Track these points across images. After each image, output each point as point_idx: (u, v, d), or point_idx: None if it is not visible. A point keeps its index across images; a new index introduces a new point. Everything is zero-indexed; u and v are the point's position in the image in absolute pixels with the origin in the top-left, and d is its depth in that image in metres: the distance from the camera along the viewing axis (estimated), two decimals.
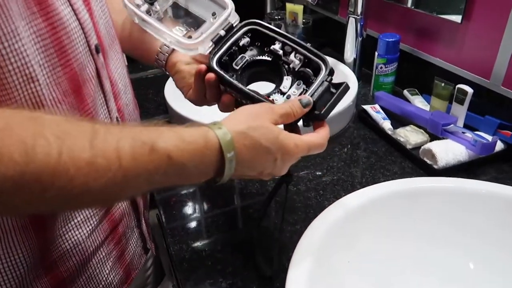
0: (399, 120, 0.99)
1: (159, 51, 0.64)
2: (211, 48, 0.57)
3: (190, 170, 0.41)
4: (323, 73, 0.55)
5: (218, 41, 0.57)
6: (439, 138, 0.89)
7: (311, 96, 0.53)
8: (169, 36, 0.55)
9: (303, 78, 0.56)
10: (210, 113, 0.68)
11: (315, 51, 0.56)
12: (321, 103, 0.54)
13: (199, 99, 0.63)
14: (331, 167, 0.88)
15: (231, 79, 0.55)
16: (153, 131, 0.40)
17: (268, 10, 1.51)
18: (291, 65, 0.57)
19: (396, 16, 1.15)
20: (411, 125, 0.95)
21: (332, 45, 1.37)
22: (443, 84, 0.93)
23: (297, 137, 0.49)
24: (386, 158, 0.90)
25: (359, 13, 1.11)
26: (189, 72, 0.63)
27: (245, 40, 0.58)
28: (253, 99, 0.54)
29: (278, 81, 0.58)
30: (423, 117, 0.93)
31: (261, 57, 0.58)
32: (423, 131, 0.92)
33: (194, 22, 0.58)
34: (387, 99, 1.05)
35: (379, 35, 1.07)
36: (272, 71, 0.58)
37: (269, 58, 0.58)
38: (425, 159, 0.84)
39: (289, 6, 1.28)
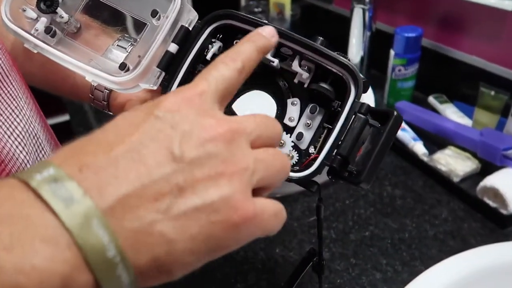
0: (431, 139, 0.79)
1: (93, 88, 0.41)
2: (160, 78, 0.36)
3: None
4: (352, 93, 0.34)
5: (169, 63, 0.35)
6: (495, 166, 0.69)
7: (341, 143, 0.33)
8: (87, 72, 0.34)
9: (318, 99, 0.36)
10: None
11: (331, 53, 0.35)
12: (355, 151, 0.33)
13: None
14: (358, 217, 0.66)
15: None
16: None
17: (244, 2, 1.28)
18: (296, 80, 0.36)
19: (412, 3, 0.94)
20: (451, 147, 0.75)
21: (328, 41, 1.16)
22: (493, 93, 0.73)
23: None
24: (427, 197, 0.69)
25: (367, 2, 0.90)
26: None
27: (214, 48, 0.37)
28: None
29: (278, 107, 0.38)
30: (469, 137, 0.73)
31: None
32: (469, 155, 0.72)
33: (131, 25, 0.38)
34: (412, 111, 0.84)
35: (396, 29, 0.87)
36: (267, 88, 0.38)
37: (258, 70, 0.37)
38: (486, 200, 0.64)
39: None
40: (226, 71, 0.27)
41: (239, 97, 0.39)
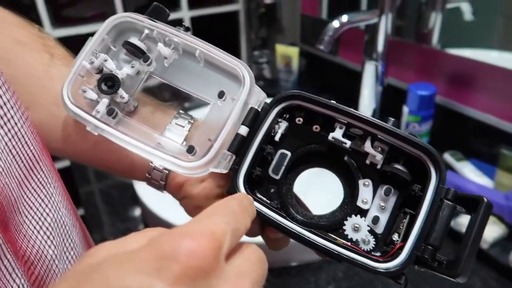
0: None
1: (152, 167, 0.40)
2: (231, 162, 0.36)
3: None
4: (433, 177, 0.34)
5: (240, 146, 0.36)
6: None
7: (429, 232, 0.32)
8: (155, 156, 0.34)
9: (391, 180, 0.36)
10: None
11: (405, 134, 0.35)
12: (441, 239, 0.33)
13: None
14: None
15: (275, 218, 0.35)
16: None
17: (244, 51, 1.30)
18: (368, 161, 0.36)
19: (424, 61, 0.98)
20: None
21: (332, 92, 1.18)
22: None
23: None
24: None
25: (379, 57, 0.93)
26: (206, 197, 0.40)
27: (282, 128, 0.37)
28: (312, 245, 0.34)
29: (347, 187, 0.38)
30: (494, 200, 0.73)
31: (312, 146, 0.38)
32: (496, 220, 0.73)
33: (188, 102, 0.37)
34: None
35: (409, 86, 0.89)
36: (334, 167, 0.38)
37: (324, 149, 0.38)
38: None
39: (281, 48, 1.08)
40: (243, 225, 0.26)
41: (300, 174, 0.38)
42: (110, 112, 0.34)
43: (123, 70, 0.34)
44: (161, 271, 0.20)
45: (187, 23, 1.23)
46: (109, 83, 0.34)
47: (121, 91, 0.34)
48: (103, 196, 0.91)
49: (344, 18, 0.89)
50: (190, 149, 0.34)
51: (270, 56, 1.16)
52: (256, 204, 0.35)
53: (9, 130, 0.32)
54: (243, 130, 0.35)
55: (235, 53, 1.30)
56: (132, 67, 0.34)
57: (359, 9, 1.14)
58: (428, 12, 0.96)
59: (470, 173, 0.86)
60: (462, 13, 0.91)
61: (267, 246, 0.41)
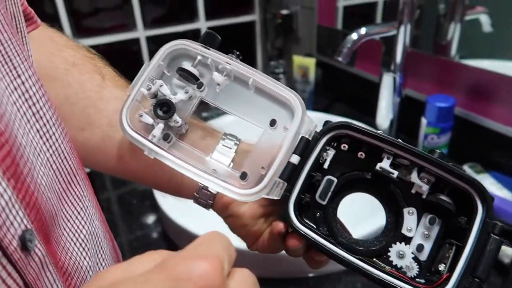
0: None
1: (200, 187, 0.42)
2: (283, 189, 0.37)
3: None
4: (480, 211, 0.34)
5: (291, 174, 0.37)
6: None
7: (476, 265, 0.33)
8: (209, 182, 0.36)
9: (436, 210, 0.37)
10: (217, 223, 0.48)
11: (454, 168, 0.36)
12: (488, 272, 0.34)
13: (273, 252, 0.43)
14: None
15: (323, 243, 0.37)
16: None
17: (260, 61, 1.32)
18: (413, 190, 0.37)
19: (442, 72, 0.99)
20: None
21: (349, 102, 1.20)
22: None
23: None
24: None
25: (397, 68, 0.94)
26: (251, 216, 0.42)
27: (330, 156, 0.38)
28: (360, 272, 0.36)
29: (391, 214, 0.39)
30: None
31: (357, 173, 0.39)
32: None
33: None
34: None
35: (428, 98, 0.90)
36: (378, 194, 0.39)
37: (369, 176, 0.39)
38: None
39: (298, 59, 1.10)
40: (233, 252, 0.27)
41: (343, 198, 0.40)
42: (166, 137, 0.35)
43: (178, 95, 0.36)
44: None
45: None
46: (164, 108, 0.35)
47: (175, 116, 0.36)
48: (122, 203, 0.93)
49: (363, 30, 0.91)
50: (243, 176, 0.35)
51: (286, 67, 1.17)
52: (303, 229, 0.37)
53: (50, 146, 0.34)
54: (295, 159, 0.36)
55: (251, 63, 1.31)
56: (186, 92, 0.36)
57: (374, 19, 1.15)
58: (447, 23, 0.97)
59: (491, 186, 0.87)
60: (481, 25, 0.92)
61: (309, 265, 0.42)
